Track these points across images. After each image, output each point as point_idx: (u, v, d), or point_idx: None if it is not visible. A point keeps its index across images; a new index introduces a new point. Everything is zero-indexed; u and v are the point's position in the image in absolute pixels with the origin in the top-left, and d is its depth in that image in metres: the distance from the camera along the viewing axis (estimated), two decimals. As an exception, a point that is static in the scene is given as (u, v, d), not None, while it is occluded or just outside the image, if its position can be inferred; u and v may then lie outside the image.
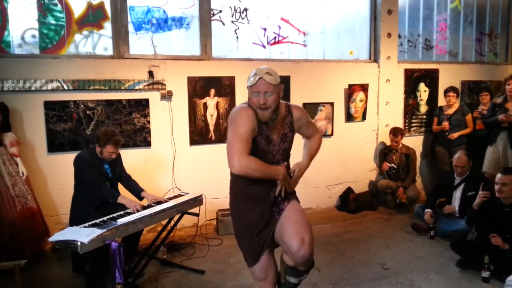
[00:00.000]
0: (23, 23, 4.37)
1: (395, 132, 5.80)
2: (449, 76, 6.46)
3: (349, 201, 5.75)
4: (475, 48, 6.96)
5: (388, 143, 5.98)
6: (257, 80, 2.31)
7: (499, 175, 3.82)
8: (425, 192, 6.24)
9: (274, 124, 2.44)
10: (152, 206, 3.69)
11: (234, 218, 2.62)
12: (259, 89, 2.31)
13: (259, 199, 2.48)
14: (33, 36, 4.43)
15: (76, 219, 3.56)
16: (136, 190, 3.96)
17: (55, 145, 4.45)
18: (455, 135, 5.70)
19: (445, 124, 5.74)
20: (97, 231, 2.96)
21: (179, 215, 3.90)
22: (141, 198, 3.92)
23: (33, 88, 4.30)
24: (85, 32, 4.64)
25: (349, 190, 5.89)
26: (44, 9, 4.43)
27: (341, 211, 5.77)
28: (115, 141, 3.70)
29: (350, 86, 5.80)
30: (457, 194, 4.71)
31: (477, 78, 6.74)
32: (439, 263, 4.01)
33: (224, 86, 5.11)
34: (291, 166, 2.62)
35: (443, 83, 6.31)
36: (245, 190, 2.49)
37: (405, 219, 5.31)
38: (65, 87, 4.42)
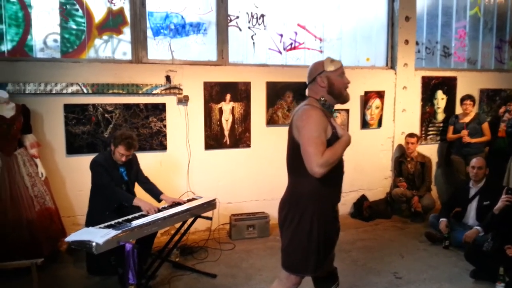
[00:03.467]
0: (46, 28, 4.50)
1: (411, 134, 5.80)
2: (467, 84, 6.37)
3: (363, 209, 5.72)
4: (495, 55, 6.85)
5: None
6: (340, 63, 2.46)
7: (517, 185, 3.77)
8: (440, 201, 6.16)
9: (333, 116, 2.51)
10: (166, 209, 3.74)
11: (312, 223, 2.39)
12: (343, 70, 2.46)
13: (334, 214, 2.52)
14: (55, 41, 4.55)
15: (92, 220, 3.64)
16: (155, 192, 4.02)
17: (74, 147, 4.55)
18: (472, 140, 5.64)
19: (464, 132, 5.67)
20: (112, 232, 3.01)
21: (192, 218, 3.95)
22: (160, 201, 3.99)
23: (53, 91, 4.41)
24: (105, 37, 4.74)
25: (363, 198, 5.86)
26: (66, 14, 4.55)
27: (355, 218, 5.74)
28: (128, 143, 3.73)
29: (366, 93, 5.78)
30: (473, 205, 4.65)
31: (496, 86, 6.64)
32: (452, 273, 3.96)
33: (240, 92, 5.15)
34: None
35: (461, 91, 6.22)
36: (327, 197, 2.44)
37: (420, 228, 5.25)
38: (85, 91, 4.52)
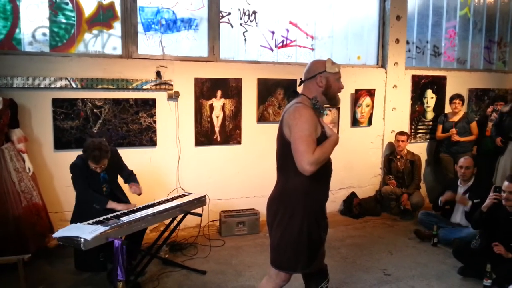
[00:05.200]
0: (34, 21, 4.43)
1: (402, 132, 5.84)
2: (457, 84, 6.43)
3: (352, 206, 5.74)
4: (484, 56, 6.92)
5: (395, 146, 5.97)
6: (339, 67, 2.51)
7: (506, 183, 3.79)
8: (429, 199, 6.20)
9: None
10: (156, 205, 3.72)
11: (303, 221, 2.40)
12: (340, 74, 2.53)
13: (323, 211, 2.54)
14: (44, 34, 4.49)
15: (78, 217, 3.62)
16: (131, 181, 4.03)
17: (62, 142, 4.49)
18: (461, 139, 5.69)
19: (453, 131, 5.72)
20: (100, 229, 2.98)
21: (182, 215, 3.93)
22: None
23: (42, 86, 4.35)
24: (94, 31, 4.69)
25: (353, 195, 5.88)
26: (55, 8, 4.49)
27: (345, 215, 5.77)
28: (94, 158, 3.60)
29: (357, 91, 5.80)
30: (462, 203, 4.70)
31: (485, 86, 6.71)
32: (440, 270, 4.00)
33: (231, 88, 5.13)
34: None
35: (451, 90, 6.28)
36: (316, 194, 2.45)
37: (409, 225, 5.29)
38: (74, 85, 4.47)
